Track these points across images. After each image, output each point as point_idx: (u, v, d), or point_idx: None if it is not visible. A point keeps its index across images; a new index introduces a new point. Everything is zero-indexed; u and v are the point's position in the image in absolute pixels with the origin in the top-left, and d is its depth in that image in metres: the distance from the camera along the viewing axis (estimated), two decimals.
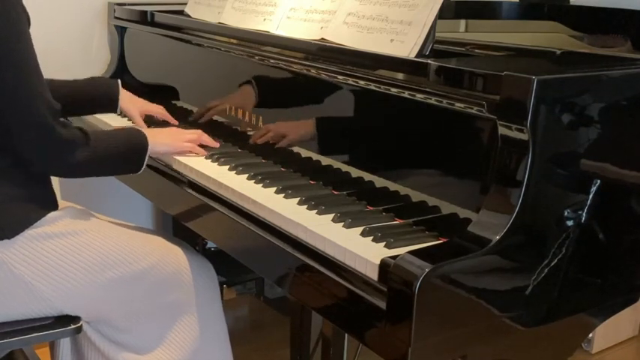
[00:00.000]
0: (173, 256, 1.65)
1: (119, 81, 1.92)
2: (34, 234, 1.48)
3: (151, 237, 1.66)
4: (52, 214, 1.52)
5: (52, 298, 1.50)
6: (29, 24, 1.46)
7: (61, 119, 1.49)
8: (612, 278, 1.37)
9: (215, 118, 1.96)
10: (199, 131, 1.78)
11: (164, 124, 1.97)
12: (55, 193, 1.58)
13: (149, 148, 1.61)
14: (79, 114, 1.99)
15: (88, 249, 1.52)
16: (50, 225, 1.50)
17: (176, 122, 1.98)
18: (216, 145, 1.78)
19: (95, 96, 1.88)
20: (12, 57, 1.40)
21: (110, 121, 2.04)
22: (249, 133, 1.81)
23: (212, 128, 1.94)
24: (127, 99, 1.91)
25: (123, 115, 2.04)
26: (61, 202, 1.60)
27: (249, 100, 1.80)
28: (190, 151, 1.72)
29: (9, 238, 1.45)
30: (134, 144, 1.60)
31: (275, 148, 1.72)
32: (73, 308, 1.54)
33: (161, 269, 1.61)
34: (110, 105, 1.90)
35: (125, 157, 1.59)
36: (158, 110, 1.98)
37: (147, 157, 1.61)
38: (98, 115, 2.06)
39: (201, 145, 1.76)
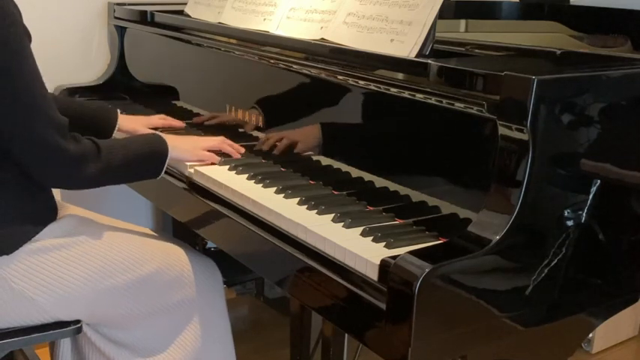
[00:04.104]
0: (175, 259, 1.64)
1: (118, 110, 1.88)
2: (33, 248, 1.47)
3: (152, 241, 1.65)
4: (50, 227, 1.51)
5: (53, 310, 1.49)
6: (30, 40, 1.42)
7: (72, 133, 1.46)
8: (612, 278, 1.37)
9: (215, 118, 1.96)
10: (221, 138, 1.74)
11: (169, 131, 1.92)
12: (55, 198, 1.57)
13: (169, 154, 1.59)
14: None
15: (88, 259, 1.52)
16: (49, 238, 1.49)
17: (182, 124, 1.94)
18: (242, 150, 1.74)
19: (90, 120, 1.83)
20: (11, 80, 1.36)
21: None
22: (249, 133, 1.81)
23: (212, 128, 1.94)
24: (126, 122, 1.86)
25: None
26: (61, 205, 1.60)
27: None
28: (210, 160, 1.68)
29: (7, 253, 1.45)
30: (153, 151, 1.57)
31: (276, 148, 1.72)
32: (74, 316, 1.54)
33: (164, 273, 1.60)
34: (104, 133, 1.83)
35: (144, 164, 1.57)
36: (161, 122, 1.94)
37: (166, 163, 1.58)
38: None
39: (222, 153, 1.72)
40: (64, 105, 1.80)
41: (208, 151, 1.70)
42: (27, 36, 1.42)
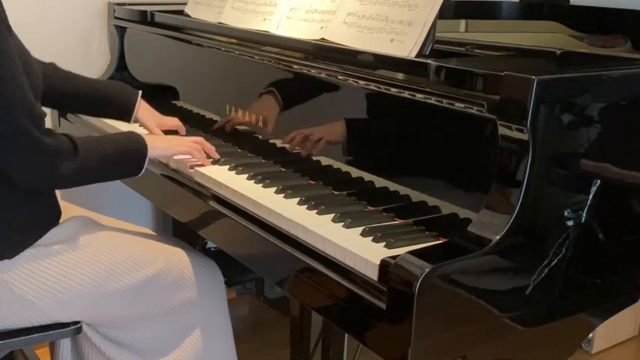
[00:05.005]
0: (176, 260, 1.64)
1: (140, 92, 1.85)
2: (35, 252, 1.47)
3: (153, 242, 1.65)
4: (52, 232, 1.51)
5: (54, 313, 1.50)
6: (9, 30, 1.39)
7: (47, 128, 1.43)
8: (612, 278, 1.37)
9: (215, 118, 1.96)
10: (200, 139, 1.72)
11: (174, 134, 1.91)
12: (58, 201, 1.56)
13: (148, 152, 1.57)
14: (91, 114, 1.94)
15: (90, 263, 1.51)
16: (51, 242, 1.49)
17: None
18: (217, 156, 1.72)
19: (112, 101, 1.82)
20: None
21: (122, 127, 2.02)
22: (248, 133, 1.81)
23: (212, 128, 1.94)
24: (145, 110, 1.85)
25: (139, 125, 2.03)
26: (62, 205, 1.59)
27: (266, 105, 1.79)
28: (188, 154, 1.68)
29: (9, 258, 1.44)
30: (132, 149, 1.56)
31: (275, 148, 1.72)
32: (74, 318, 1.54)
33: (165, 275, 1.60)
34: (124, 113, 1.83)
35: (122, 162, 1.55)
36: (174, 124, 1.91)
37: (146, 162, 1.57)
38: (110, 122, 2.05)
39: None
40: (84, 83, 1.82)
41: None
42: (5, 26, 1.38)
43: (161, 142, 1.68)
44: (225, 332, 1.72)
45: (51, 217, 1.53)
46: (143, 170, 1.58)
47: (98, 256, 1.53)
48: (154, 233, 1.74)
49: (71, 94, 1.79)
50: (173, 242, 1.71)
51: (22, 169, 1.41)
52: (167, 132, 1.87)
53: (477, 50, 1.58)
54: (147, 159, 1.57)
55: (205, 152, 1.71)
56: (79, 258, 1.51)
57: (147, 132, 1.89)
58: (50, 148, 1.40)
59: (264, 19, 1.80)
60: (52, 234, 1.51)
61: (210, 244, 2.43)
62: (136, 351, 1.61)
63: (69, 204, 1.68)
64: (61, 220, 1.56)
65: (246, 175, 1.61)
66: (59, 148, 1.42)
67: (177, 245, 1.69)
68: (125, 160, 1.55)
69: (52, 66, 1.78)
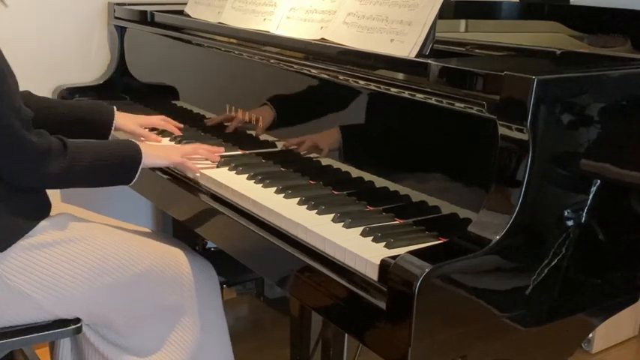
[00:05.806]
0: (172, 257, 1.64)
1: (114, 107, 1.84)
2: (26, 244, 1.47)
3: (149, 240, 1.65)
4: (43, 223, 1.50)
5: (50, 307, 1.49)
6: None
7: (38, 130, 1.44)
8: (612, 278, 1.37)
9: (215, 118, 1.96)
10: (197, 145, 1.72)
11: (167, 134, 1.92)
12: (49, 197, 1.56)
13: (142, 161, 1.57)
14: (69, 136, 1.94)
15: (84, 256, 1.51)
16: (43, 234, 1.49)
17: (181, 126, 1.92)
18: (221, 151, 1.72)
19: (88, 122, 1.79)
20: None
21: None
22: (249, 133, 1.81)
23: (212, 128, 1.94)
24: (123, 120, 1.83)
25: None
26: (59, 205, 1.59)
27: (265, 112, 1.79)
28: (183, 164, 1.66)
29: (1, 250, 1.44)
30: (126, 156, 1.55)
31: (275, 148, 1.72)
32: (72, 314, 1.54)
33: (160, 272, 1.60)
34: (102, 133, 1.80)
35: (114, 168, 1.54)
36: (158, 122, 1.91)
37: (139, 170, 1.57)
38: None
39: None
40: (55, 106, 1.80)
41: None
42: None
43: (157, 150, 1.67)
44: (221, 332, 1.73)
45: (40, 208, 1.53)
46: (135, 178, 1.57)
47: (92, 250, 1.53)
48: (153, 233, 1.74)
49: (46, 119, 1.73)
50: (169, 242, 1.71)
51: (11, 168, 1.43)
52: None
53: (477, 50, 1.58)
54: (140, 167, 1.57)
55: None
56: (73, 250, 1.51)
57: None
58: (39, 148, 1.42)
59: (264, 19, 1.80)
60: (44, 226, 1.50)
61: (210, 244, 2.43)
62: (134, 352, 1.61)
63: (66, 204, 1.68)
64: (54, 216, 1.55)
65: (246, 175, 1.61)
66: (48, 148, 1.44)
67: (173, 245, 1.69)
68: (118, 166, 1.55)
69: (26, 93, 1.76)
